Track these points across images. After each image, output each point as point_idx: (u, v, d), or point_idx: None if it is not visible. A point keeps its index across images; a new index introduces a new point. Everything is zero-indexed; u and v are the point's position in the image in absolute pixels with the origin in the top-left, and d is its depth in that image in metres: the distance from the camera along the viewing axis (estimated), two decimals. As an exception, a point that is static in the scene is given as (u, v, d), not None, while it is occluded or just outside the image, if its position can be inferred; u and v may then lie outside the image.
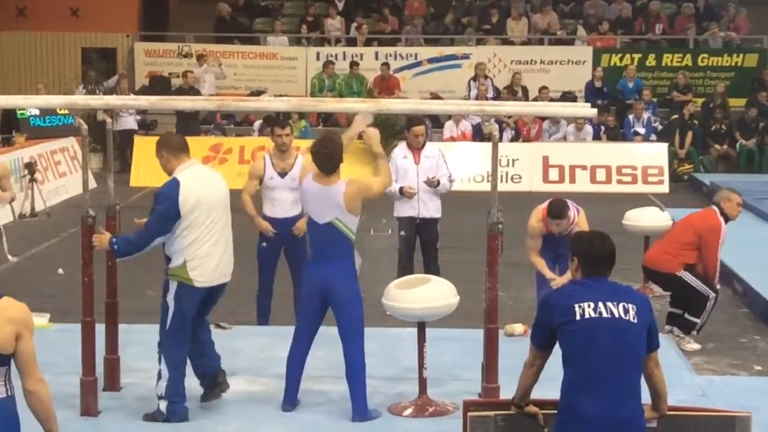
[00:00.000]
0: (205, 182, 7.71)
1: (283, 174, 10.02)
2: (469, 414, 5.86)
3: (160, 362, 7.69)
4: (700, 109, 23.64)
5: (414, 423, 7.76)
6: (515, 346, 8.41)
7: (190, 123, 22.06)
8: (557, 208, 9.71)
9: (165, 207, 7.53)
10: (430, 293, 8.09)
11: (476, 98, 22.60)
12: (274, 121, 10.52)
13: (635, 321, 5.33)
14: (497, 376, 7.72)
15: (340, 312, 7.87)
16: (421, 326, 8.12)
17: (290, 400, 7.97)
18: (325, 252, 7.79)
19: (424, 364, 8.07)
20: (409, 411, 7.97)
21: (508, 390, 6.74)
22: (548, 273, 9.94)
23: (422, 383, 8.06)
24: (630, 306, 5.36)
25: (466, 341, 9.50)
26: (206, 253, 7.66)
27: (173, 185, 7.58)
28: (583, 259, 5.49)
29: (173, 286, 7.63)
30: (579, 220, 9.88)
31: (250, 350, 9.40)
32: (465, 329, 9.85)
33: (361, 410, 7.80)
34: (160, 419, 7.70)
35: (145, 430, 7.62)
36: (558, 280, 9.56)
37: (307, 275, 8.06)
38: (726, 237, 10.35)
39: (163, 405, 7.70)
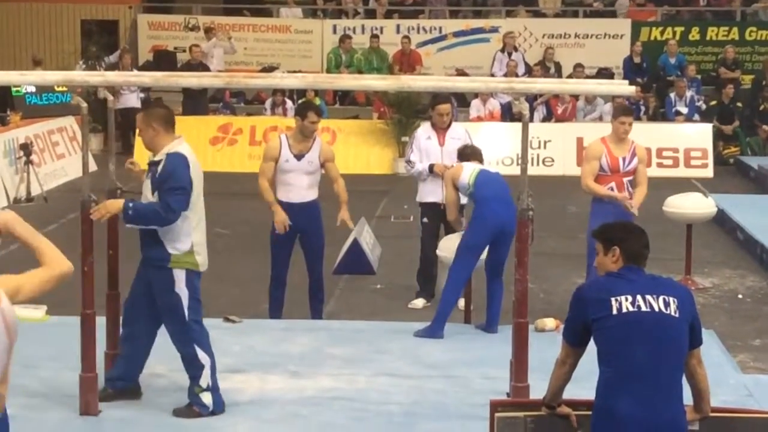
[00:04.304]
0: (196, 161, 7.82)
1: (299, 156, 10.01)
2: (497, 415, 5.86)
3: (194, 357, 7.72)
4: (751, 87, 23.48)
5: (437, 424, 7.77)
6: (546, 342, 8.41)
7: (198, 101, 22.12)
8: (625, 105, 10.83)
9: (185, 182, 7.55)
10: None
11: (504, 74, 22.57)
12: (308, 106, 10.48)
13: (677, 315, 5.31)
14: (527, 375, 7.71)
15: (504, 246, 9.54)
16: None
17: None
18: (504, 195, 9.60)
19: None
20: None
21: (538, 389, 6.74)
22: (611, 193, 10.15)
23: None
24: (671, 299, 5.34)
25: (494, 337, 9.52)
26: (202, 237, 7.79)
27: (182, 160, 7.63)
28: (626, 247, 5.46)
29: (180, 275, 7.65)
30: (639, 147, 10.43)
31: (262, 345, 9.42)
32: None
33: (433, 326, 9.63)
34: (205, 413, 7.75)
35: (148, 427, 7.65)
36: (629, 200, 10.15)
37: (485, 216, 9.58)
38: None
39: (207, 398, 7.76)
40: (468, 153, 10.21)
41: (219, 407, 7.81)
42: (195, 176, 7.65)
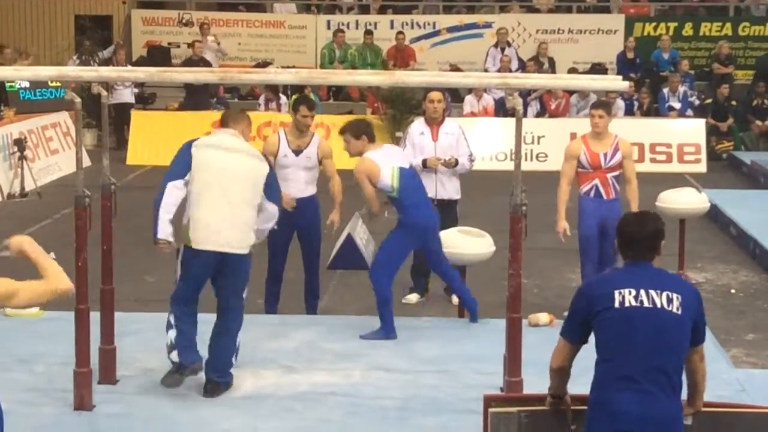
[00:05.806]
0: (214, 143, 8.19)
1: (297, 152, 10.04)
2: (491, 410, 5.87)
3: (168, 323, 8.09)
4: (752, 82, 23.48)
5: (431, 419, 7.78)
6: (540, 337, 8.42)
7: (199, 97, 22.03)
8: (600, 99, 10.69)
9: (174, 160, 8.08)
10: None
11: (498, 70, 22.55)
12: (301, 100, 10.49)
13: (679, 312, 5.29)
14: (520, 370, 7.72)
15: (435, 240, 9.69)
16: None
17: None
18: (425, 197, 9.82)
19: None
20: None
21: (532, 384, 6.75)
22: (561, 214, 10.21)
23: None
24: (674, 296, 5.32)
25: (488, 332, 9.51)
26: (203, 214, 7.93)
27: (186, 144, 8.15)
28: (617, 239, 5.52)
29: (182, 251, 8.05)
30: (623, 141, 10.28)
31: (257, 341, 9.40)
32: (486, 319, 9.88)
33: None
34: (174, 369, 8.00)
35: (143, 422, 7.66)
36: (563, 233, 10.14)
37: (414, 223, 9.52)
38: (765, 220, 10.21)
39: (174, 355, 8.01)
40: (362, 128, 9.63)
41: (187, 359, 8.00)
42: (201, 153, 8.00)
